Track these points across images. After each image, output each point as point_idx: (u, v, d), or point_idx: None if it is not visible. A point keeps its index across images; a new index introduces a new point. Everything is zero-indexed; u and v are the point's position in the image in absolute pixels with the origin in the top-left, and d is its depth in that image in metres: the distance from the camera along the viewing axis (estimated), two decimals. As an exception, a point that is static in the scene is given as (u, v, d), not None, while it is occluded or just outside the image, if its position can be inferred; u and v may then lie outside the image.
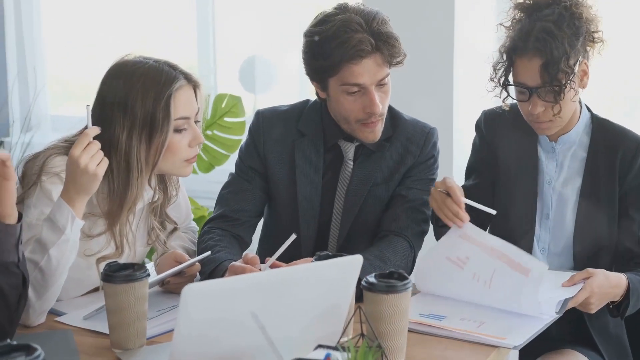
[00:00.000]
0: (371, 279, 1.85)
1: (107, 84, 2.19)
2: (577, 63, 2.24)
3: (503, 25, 2.33)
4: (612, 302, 2.25)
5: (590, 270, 2.18)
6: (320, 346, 1.65)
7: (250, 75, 4.22)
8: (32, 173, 2.14)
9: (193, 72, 2.24)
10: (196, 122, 2.25)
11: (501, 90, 2.32)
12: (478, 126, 2.50)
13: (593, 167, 2.36)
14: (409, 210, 2.43)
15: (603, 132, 2.38)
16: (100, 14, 4.59)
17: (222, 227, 2.44)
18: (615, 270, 2.29)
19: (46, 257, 2.03)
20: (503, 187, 2.43)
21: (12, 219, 1.87)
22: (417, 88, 3.42)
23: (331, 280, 1.74)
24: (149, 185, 2.24)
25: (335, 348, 1.59)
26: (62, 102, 4.87)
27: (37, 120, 4.62)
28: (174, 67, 2.21)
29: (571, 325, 2.35)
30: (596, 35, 2.27)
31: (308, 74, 2.41)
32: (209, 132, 3.85)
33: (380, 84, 2.34)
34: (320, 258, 2.00)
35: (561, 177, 2.40)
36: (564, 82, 2.20)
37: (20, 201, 2.14)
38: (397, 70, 2.37)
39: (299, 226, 2.44)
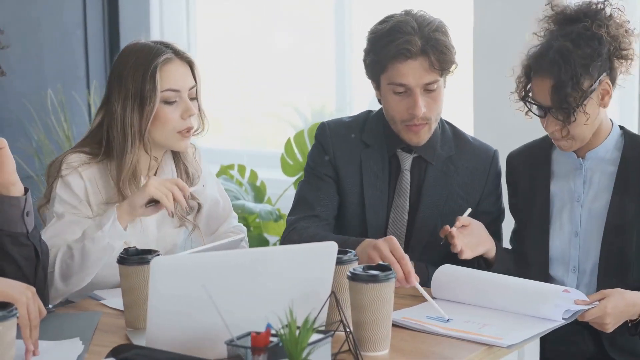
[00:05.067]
0: (357, 269, 1.91)
1: (114, 63, 2.43)
2: (597, 82, 2.25)
3: (537, 35, 2.35)
4: (631, 321, 2.19)
5: (605, 291, 2.14)
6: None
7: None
8: (54, 171, 2.37)
9: (187, 52, 2.42)
10: (193, 98, 2.40)
11: (523, 105, 2.35)
12: (507, 170, 2.54)
13: (623, 182, 2.34)
14: None
15: (634, 146, 2.36)
16: (247, 64, 4.79)
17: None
18: None
19: (81, 246, 2.24)
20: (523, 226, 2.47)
21: (15, 190, 2.04)
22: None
23: (304, 266, 1.82)
24: (147, 153, 2.39)
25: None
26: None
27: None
28: (165, 45, 2.40)
29: (588, 346, 2.34)
30: (624, 52, 2.27)
31: (366, 71, 2.50)
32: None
33: (428, 89, 2.40)
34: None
35: (590, 193, 2.38)
36: (573, 104, 2.22)
37: (49, 198, 2.37)
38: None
39: (367, 235, 2.47)
